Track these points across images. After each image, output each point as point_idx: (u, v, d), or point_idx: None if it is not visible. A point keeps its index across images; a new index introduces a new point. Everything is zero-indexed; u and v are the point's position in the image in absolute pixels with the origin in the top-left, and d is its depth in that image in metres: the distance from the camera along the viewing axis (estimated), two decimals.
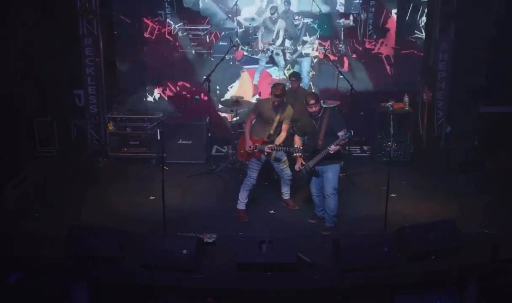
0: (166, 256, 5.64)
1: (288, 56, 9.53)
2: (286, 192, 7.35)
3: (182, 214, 7.03)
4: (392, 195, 6.92)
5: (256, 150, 6.80)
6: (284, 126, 6.84)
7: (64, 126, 9.46)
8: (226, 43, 9.52)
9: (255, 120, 7.00)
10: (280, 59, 9.61)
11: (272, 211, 7.32)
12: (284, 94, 6.79)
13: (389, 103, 9.01)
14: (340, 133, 6.28)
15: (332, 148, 6.24)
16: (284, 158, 7.04)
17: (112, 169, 8.89)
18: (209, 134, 9.01)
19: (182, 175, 8.41)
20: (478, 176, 8.15)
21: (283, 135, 6.83)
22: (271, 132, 6.80)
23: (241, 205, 7.00)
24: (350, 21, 9.51)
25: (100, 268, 5.74)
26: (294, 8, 9.42)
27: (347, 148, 8.31)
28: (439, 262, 5.82)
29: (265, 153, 6.77)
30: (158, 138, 7.47)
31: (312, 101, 6.39)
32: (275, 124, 6.78)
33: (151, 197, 7.42)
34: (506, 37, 8.96)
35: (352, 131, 6.31)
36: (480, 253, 5.87)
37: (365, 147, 9.42)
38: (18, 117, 8.60)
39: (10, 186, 7.70)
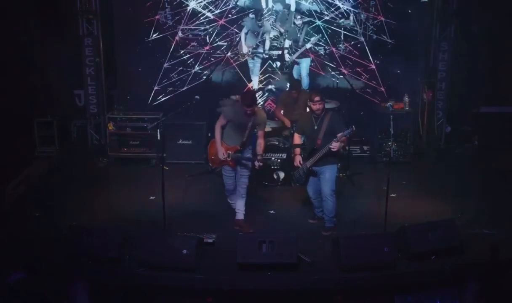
0: (166, 256, 5.64)
1: (287, 57, 9.50)
2: (240, 211, 6.66)
3: (182, 214, 7.03)
4: (392, 195, 6.92)
5: (229, 159, 6.44)
6: (260, 134, 6.52)
7: (64, 126, 9.46)
8: (226, 43, 9.53)
9: (226, 124, 6.51)
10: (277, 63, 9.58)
11: (272, 211, 7.32)
12: (255, 103, 6.45)
13: (389, 103, 9.03)
14: (339, 135, 6.20)
15: (333, 145, 6.15)
16: (249, 165, 6.58)
17: (112, 169, 8.90)
18: (209, 134, 9.00)
19: (182, 175, 8.42)
20: (478, 176, 8.15)
21: (261, 143, 6.53)
22: (244, 139, 6.44)
23: (240, 215, 6.72)
24: (350, 21, 9.50)
25: (100, 268, 5.74)
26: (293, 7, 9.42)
27: (347, 148, 8.30)
28: (439, 262, 5.82)
29: (256, 167, 6.41)
30: (158, 138, 7.49)
31: (316, 98, 6.32)
32: (247, 132, 6.41)
33: (151, 197, 7.42)
34: (506, 36, 8.97)
35: (353, 126, 6.16)
36: (480, 253, 5.88)
37: (365, 147, 9.42)
38: (18, 117, 8.60)
39: (10, 186, 7.71)
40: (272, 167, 7.87)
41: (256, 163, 6.35)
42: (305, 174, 6.54)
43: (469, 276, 5.76)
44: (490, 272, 5.73)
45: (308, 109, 8.08)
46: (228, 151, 6.44)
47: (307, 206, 7.14)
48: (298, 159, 6.57)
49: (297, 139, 6.74)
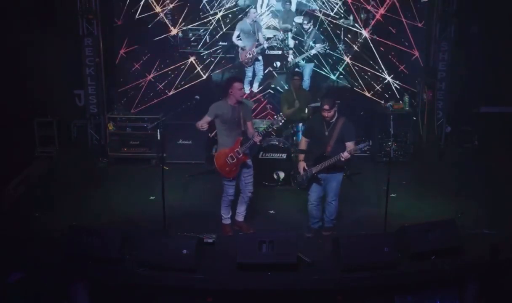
0: (166, 256, 5.64)
1: (290, 58, 9.45)
2: (241, 213, 6.75)
3: (182, 214, 7.03)
4: (392, 195, 6.92)
5: (241, 155, 6.30)
6: (249, 125, 6.41)
7: (64, 126, 9.46)
8: (226, 43, 9.53)
9: (216, 131, 6.43)
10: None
11: (272, 211, 7.32)
12: (239, 80, 6.34)
13: (389, 103, 9.05)
14: (349, 144, 6.12)
15: (345, 155, 6.01)
16: (251, 171, 6.55)
17: (112, 169, 8.91)
18: (210, 134, 9.01)
19: (182, 175, 8.42)
20: (478, 176, 8.15)
21: (253, 133, 6.37)
22: (243, 129, 6.36)
23: (226, 220, 6.74)
24: (350, 21, 9.49)
25: (100, 268, 5.73)
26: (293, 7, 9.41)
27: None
28: (439, 262, 5.82)
29: (256, 142, 6.32)
30: (158, 138, 7.48)
31: (326, 107, 6.13)
32: (242, 122, 6.30)
33: (151, 197, 7.42)
34: (506, 36, 8.97)
35: (370, 141, 6.08)
36: (480, 253, 5.88)
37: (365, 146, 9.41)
38: (18, 117, 8.60)
39: (10, 186, 7.71)
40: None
41: (257, 138, 6.21)
42: (308, 179, 6.37)
43: (469, 276, 5.77)
44: (490, 272, 5.73)
45: (306, 110, 8.14)
46: (236, 150, 6.30)
47: (307, 206, 7.13)
48: (302, 165, 6.37)
49: (304, 144, 6.52)
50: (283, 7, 9.41)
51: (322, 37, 9.31)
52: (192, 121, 8.93)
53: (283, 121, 6.18)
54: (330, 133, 6.22)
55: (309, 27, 9.21)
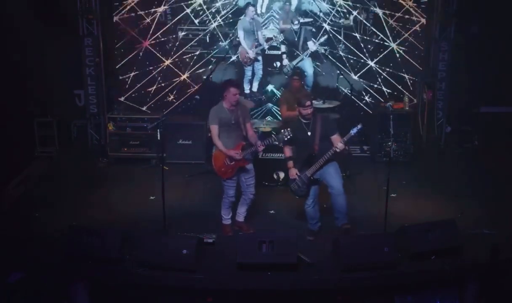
0: (166, 256, 5.65)
1: (285, 62, 9.38)
2: (241, 213, 6.71)
3: (182, 214, 7.03)
4: (392, 195, 6.92)
5: (240, 159, 6.27)
6: (248, 126, 6.41)
7: (64, 126, 9.46)
8: (226, 43, 9.52)
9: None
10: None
11: (272, 211, 7.32)
12: (235, 84, 6.35)
13: (389, 103, 9.03)
14: (334, 137, 6.07)
15: (340, 146, 5.93)
16: (252, 173, 6.51)
17: (112, 169, 8.91)
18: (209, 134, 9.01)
19: (182, 175, 8.42)
20: (478, 176, 8.15)
21: (253, 135, 6.42)
22: (244, 133, 6.34)
23: (226, 221, 6.72)
24: (350, 21, 9.48)
25: (100, 268, 5.74)
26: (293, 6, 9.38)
27: (346, 147, 8.25)
28: (439, 262, 5.82)
29: (259, 151, 6.39)
30: (158, 138, 7.50)
31: (308, 103, 6.07)
32: (242, 125, 6.32)
33: (151, 197, 7.42)
34: (506, 36, 8.97)
35: (361, 124, 5.97)
36: (480, 253, 5.88)
37: (365, 147, 9.42)
38: (18, 117, 8.60)
39: (10, 186, 7.71)
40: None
41: (260, 148, 6.24)
42: (304, 185, 6.25)
43: (469, 276, 5.77)
44: (490, 272, 5.73)
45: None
46: (236, 153, 6.27)
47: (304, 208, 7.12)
48: (294, 171, 6.25)
49: (288, 151, 6.37)
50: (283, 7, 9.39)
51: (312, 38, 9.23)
52: (192, 121, 9.09)
53: (289, 136, 6.12)
54: (313, 131, 6.14)
55: (298, 27, 9.11)
